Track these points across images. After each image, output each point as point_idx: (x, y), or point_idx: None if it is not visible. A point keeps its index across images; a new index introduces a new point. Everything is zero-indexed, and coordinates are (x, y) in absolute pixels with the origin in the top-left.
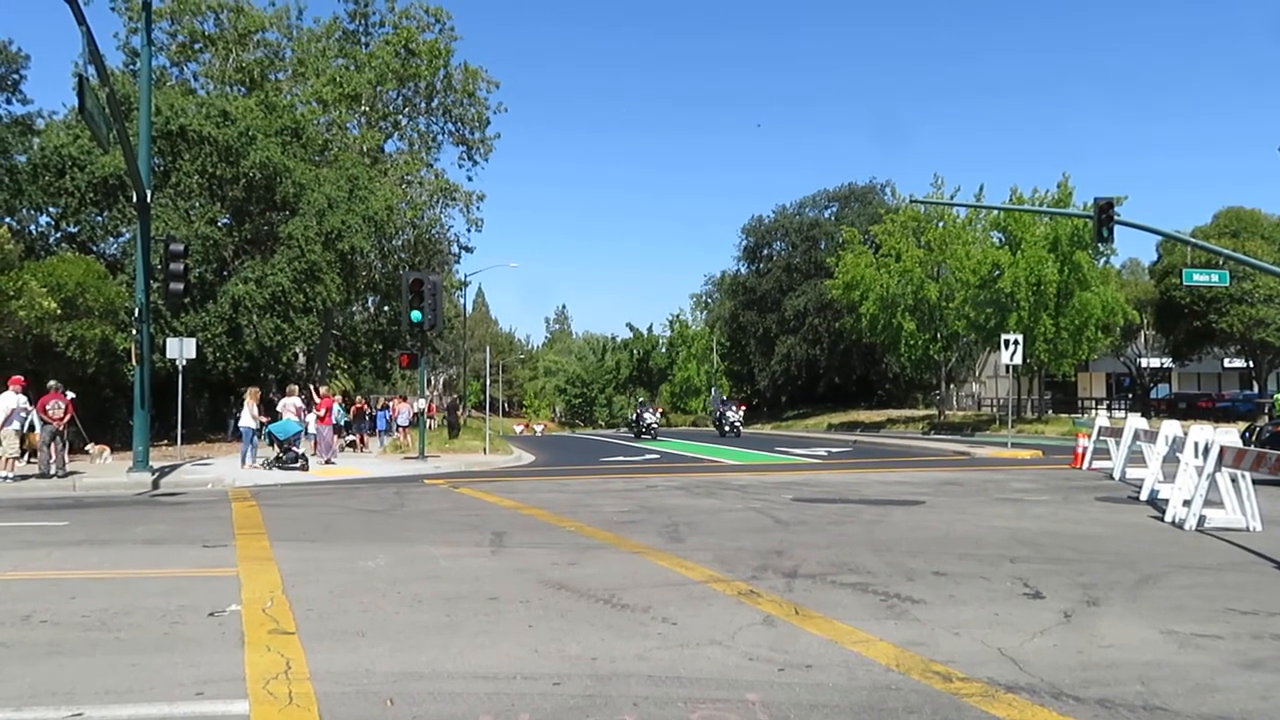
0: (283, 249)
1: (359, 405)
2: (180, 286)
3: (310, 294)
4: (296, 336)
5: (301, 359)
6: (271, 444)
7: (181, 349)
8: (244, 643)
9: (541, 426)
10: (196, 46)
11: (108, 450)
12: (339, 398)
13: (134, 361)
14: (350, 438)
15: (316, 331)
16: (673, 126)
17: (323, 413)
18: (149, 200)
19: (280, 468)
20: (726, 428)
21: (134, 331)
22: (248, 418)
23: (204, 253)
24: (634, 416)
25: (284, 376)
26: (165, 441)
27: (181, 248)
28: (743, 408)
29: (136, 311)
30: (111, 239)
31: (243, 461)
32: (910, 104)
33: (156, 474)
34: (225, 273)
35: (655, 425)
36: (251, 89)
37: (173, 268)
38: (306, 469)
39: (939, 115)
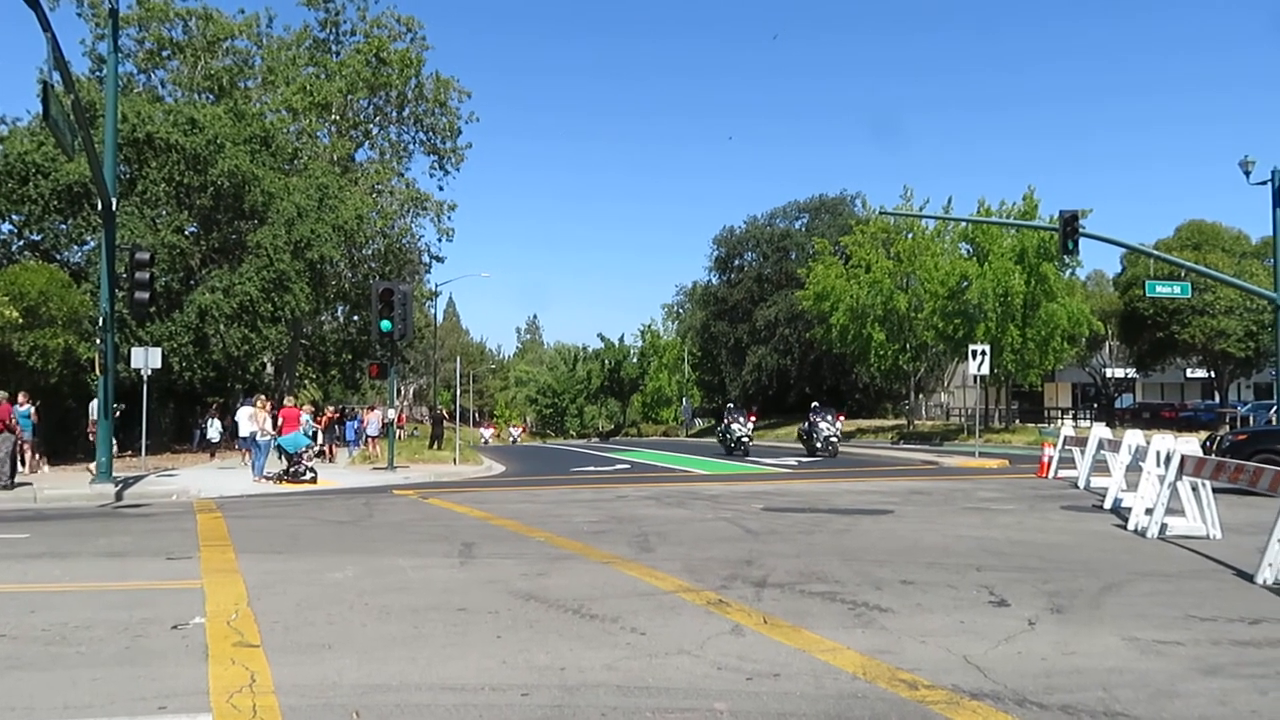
0: (251, 258)
1: (329, 416)
2: (146, 296)
3: (279, 303)
4: (264, 346)
5: (270, 369)
6: (280, 457)
7: (147, 359)
8: (208, 656)
9: (520, 430)
10: (164, 53)
11: (44, 461)
12: (308, 407)
13: (97, 371)
14: (319, 448)
15: (285, 341)
16: (643, 137)
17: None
18: (114, 208)
19: (290, 480)
20: (733, 444)
21: (98, 341)
22: (254, 428)
23: (170, 261)
24: (721, 427)
25: (251, 386)
26: (130, 452)
27: (147, 256)
28: (753, 417)
29: (101, 321)
30: (76, 247)
31: (257, 475)
32: (881, 116)
33: (120, 485)
34: (192, 282)
35: (748, 439)
36: (220, 97)
37: (138, 276)
38: (315, 482)
39: (909, 128)
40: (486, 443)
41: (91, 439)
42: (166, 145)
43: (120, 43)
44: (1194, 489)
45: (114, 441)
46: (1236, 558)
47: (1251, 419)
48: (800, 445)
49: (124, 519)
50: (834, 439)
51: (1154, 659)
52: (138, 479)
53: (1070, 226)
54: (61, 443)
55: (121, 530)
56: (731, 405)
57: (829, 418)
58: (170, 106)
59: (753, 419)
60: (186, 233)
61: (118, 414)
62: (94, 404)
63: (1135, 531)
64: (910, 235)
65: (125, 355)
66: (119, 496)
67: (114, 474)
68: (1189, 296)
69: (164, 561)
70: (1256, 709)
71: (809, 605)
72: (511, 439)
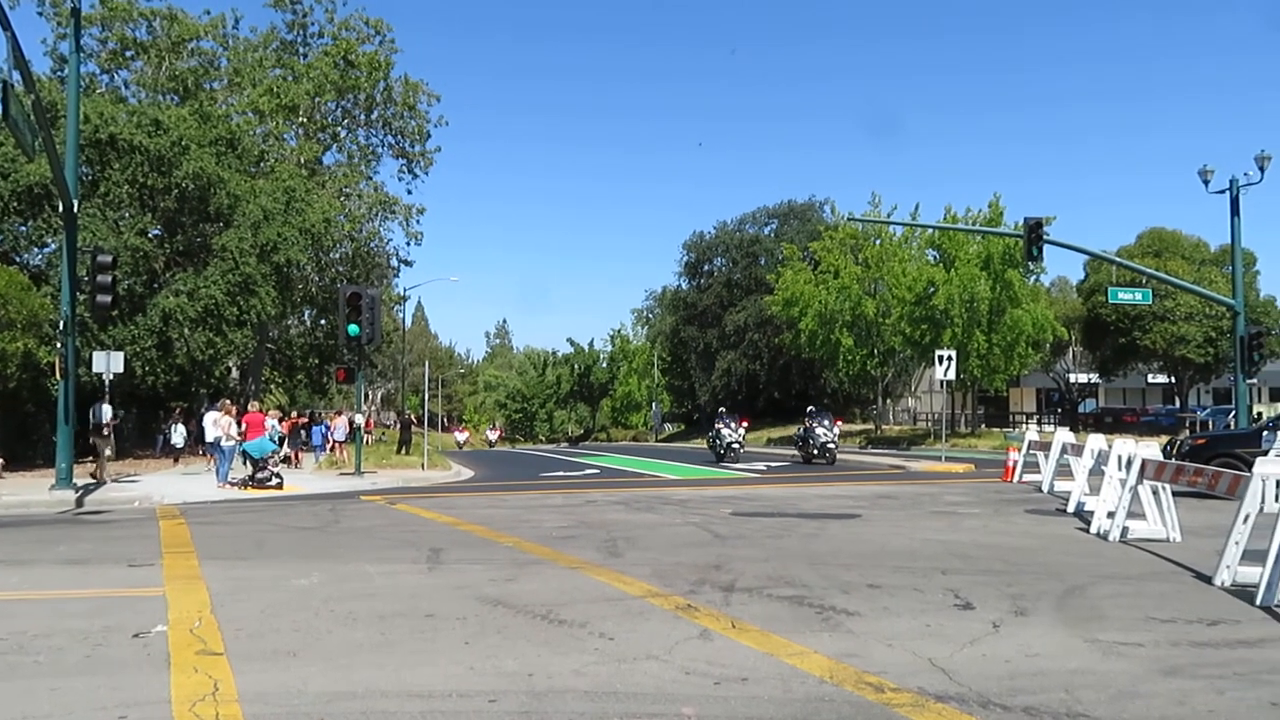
0: (216, 261)
1: (294, 420)
2: (108, 299)
3: (244, 307)
4: (229, 350)
5: (235, 373)
6: (245, 462)
7: (109, 363)
8: (170, 664)
9: (497, 433)
10: (128, 54)
11: (2, 467)
12: (274, 412)
13: (58, 376)
14: (285, 453)
15: (250, 345)
16: (612, 141)
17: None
18: (76, 210)
19: (255, 486)
20: (724, 450)
21: (58, 345)
22: (219, 433)
23: (133, 264)
24: (711, 433)
25: (216, 391)
26: (91, 458)
27: (109, 259)
28: (745, 422)
29: (62, 324)
30: (36, 249)
31: (221, 481)
32: (849, 123)
33: (80, 491)
34: (156, 285)
35: (739, 445)
36: (185, 98)
37: (100, 279)
38: (281, 487)
39: (878, 135)
40: (461, 447)
41: (93, 443)
42: (130, 146)
43: (83, 42)
44: (1155, 493)
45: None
46: (1196, 560)
47: (1211, 424)
48: (796, 451)
49: (84, 525)
50: (831, 445)
51: (1115, 660)
52: (99, 485)
53: (1035, 233)
54: (20, 448)
55: (82, 537)
56: (723, 410)
57: (826, 422)
58: (134, 107)
59: (744, 424)
60: (150, 235)
61: (115, 422)
62: (105, 408)
63: (1098, 535)
64: (878, 241)
65: (87, 359)
66: (79, 503)
67: (74, 480)
68: (1150, 303)
69: (126, 569)
70: (1214, 709)
71: (777, 609)
72: (488, 442)
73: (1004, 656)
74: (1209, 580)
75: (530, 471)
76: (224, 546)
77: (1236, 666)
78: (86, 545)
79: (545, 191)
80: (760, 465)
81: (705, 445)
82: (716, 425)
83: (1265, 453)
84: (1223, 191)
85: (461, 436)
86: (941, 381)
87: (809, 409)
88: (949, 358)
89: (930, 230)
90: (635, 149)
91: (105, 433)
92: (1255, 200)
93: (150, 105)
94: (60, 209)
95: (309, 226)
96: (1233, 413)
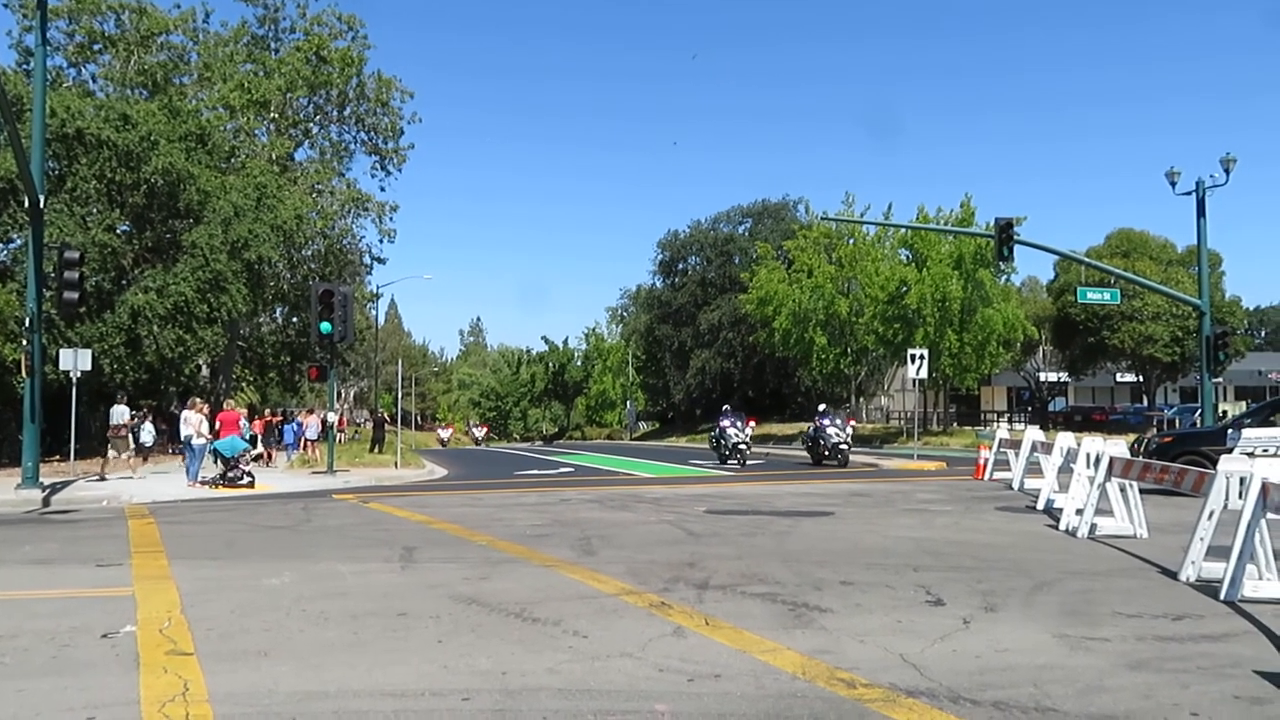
0: (186, 258)
1: (266, 419)
2: (75, 296)
3: (215, 304)
4: (200, 348)
5: (205, 371)
6: (216, 461)
7: (76, 360)
8: (139, 665)
9: (484, 429)
10: (96, 47)
11: None
12: (244, 410)
13: (24, 374)
14: (257, 452)
15: (221, 343)
16: (588, 140)
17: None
18: (42, 205)
19: (227, 485)
20: (729, 452)
21: (25, 342)
22: (191, 431)
23: (101, 261)
24: (715, 432)
25: (186, 389)
26: (58, 457)
27: (77, 255)
28: (751, 422)
29: (28, 321)
30: (2, 245)
31: (191, 479)
32: (823, 123)
33: (47, 491)
34: (124, 282)
35: (746, 446)
36: (154, 93)
37: (67, 276)
38: (253, 486)
39: (851, 135)
40: (444, 444)
41: (109, 440)
42: (98, 141)
43: (49, 35)
44: (1122, 490)
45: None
46: (1162, 556)
47: (1177, 422)
48: (805, 453)
49: (51, 525)
50: (844, 446)
51: (1083, 655)
52: (66, 484)
53: (1005, 233)
54: None
55: (49, 537)
56: (727, 408)
57: (839, 422)
58: (102, 102)
59: (752, 423)
60: (118, 231)
61: (133, 422)
62: (121, 409)
63: (1066, 531)
64: (851, 241)
65: (54, 357)
66: (46, 502)
67: (40, 479)
68: (1118, 303)
69: (94, 569)
70: (1178, 702)
71: (750, 606)
72: (475, 440)
73: (974, 652)
74: (1175, 576)
75: (504, 470)
76: (194, 546)
77: (1200, 660)
78: (53, 545)
79: (520, 190)
80: (734, 463)
81: (708, 445)
82: (720, 424)
83: (1230, 450)
84: (1189, 193)
85: (445, 434)
86: (914, 380)
87: (820, 407)
88: (921, 356)
89: (903, 230)
90: (611, 148)
91: (123, 433)
92: (1221, 202)
93: (119, 100)
94: (26, 204)
95: (281, 223)
96: (1199, 411)
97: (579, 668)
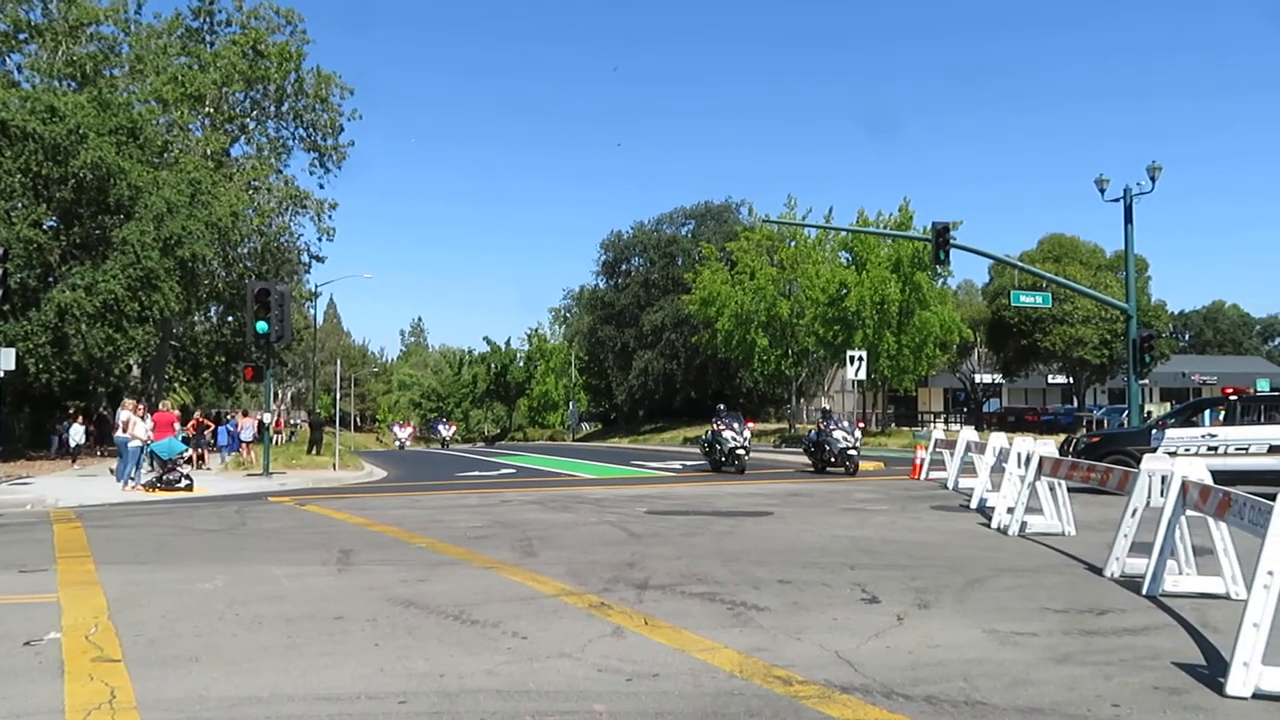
0: (116, 255)
1: (198, 420)
2: None
3: (146, 302)
4: (130, 348)
5: (136, 371)
6: (151, 464)
7: None
8: (64, 672)
9: (451, 428)
10: (21, 36)
11: None
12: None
13: None
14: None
15: (153, 342)
16: (531, 140)
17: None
18: None
19: (164, 488)
20: (724, 458)
21: None
22: (127, 431)
23: (26, 257)
24: (707, 436)
25: (116, 390)
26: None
27: (0, 251)
28: (750, 423)
29: None
30: None
31: (122, 481)
32: (767, 124)
33: None
34: (51, 279)
35: (744, 451)
36: (83, 84)
37: None
38: (191, 489)
39: (793, 137)
40: (403, 446)
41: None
42: (23, 134)
43: None
44: (1051, 489)
45: None
46: (1088, 553)
47: (1106, 422)
48: (701, 457)
49: None
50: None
51: (1011, 649)
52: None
53: (942, 238)
54: None
55: None
56: (722, 407)
57: (736, 425)
58: (28, 93)
59: (750, 425)
60: (45, 227)
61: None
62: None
63: (998, 529)
64: (793, 243)
65: None
66: None
67: None
68: (1050, 306)
69: (16, 575)
70: (1101, 693)
71: (689, 606)
72: (442, 440)
73: (907, 648)
74: (1100, 572)
75: (445, 471)
76: (123, 550)
77: (1123, 653)
78: None
79: (462, 189)
80: (676, 464)
81: (719, 459)
82: (714, 426)
83: (1154, 450)
84: (1117, 200)
85: (404, 433)
86: (853, 381)
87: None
88: (860, 358)
89: (843, 233)
90: (554, 148)
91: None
92: (1147, 208)
93: (45, 91)
94: None
95: (215, 220)
96: (1126, 412)
97: (518, 669)
